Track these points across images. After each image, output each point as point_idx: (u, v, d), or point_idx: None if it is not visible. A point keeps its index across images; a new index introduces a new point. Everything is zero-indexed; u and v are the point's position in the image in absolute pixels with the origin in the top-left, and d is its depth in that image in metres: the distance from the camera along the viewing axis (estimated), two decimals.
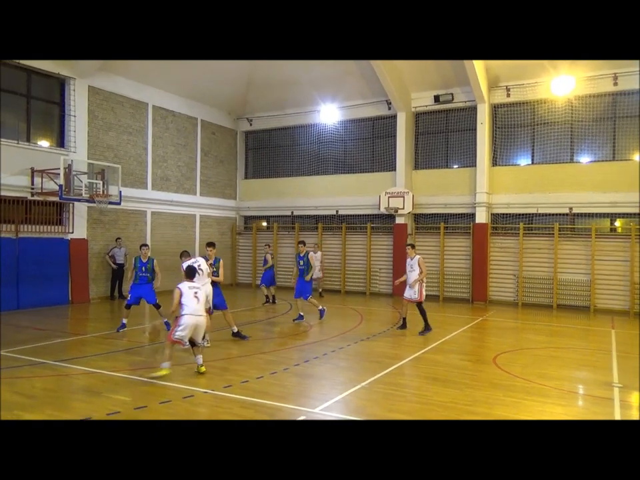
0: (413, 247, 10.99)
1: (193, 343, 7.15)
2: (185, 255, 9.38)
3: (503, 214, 16.47)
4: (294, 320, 11.79)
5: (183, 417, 5.57)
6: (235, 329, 9.67)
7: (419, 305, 10.61)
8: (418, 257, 10.70)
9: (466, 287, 16.71)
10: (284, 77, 17.85)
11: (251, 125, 20.73)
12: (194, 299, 7.03)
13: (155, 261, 10.54)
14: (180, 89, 17.77)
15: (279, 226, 20.09)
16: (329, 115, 18.90)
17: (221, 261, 9.50)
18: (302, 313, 11.79)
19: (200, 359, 7.24)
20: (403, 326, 10.94)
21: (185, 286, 7.14)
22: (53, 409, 5.71)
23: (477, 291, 16.31)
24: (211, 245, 9.61)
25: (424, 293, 10.65)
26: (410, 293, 10.65)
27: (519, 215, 16.14)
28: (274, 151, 20.86)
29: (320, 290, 17.08)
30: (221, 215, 20.32)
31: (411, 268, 10.67)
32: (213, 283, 9.02)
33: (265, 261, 14.96)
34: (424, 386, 6.87)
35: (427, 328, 10.49)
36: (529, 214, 16.03)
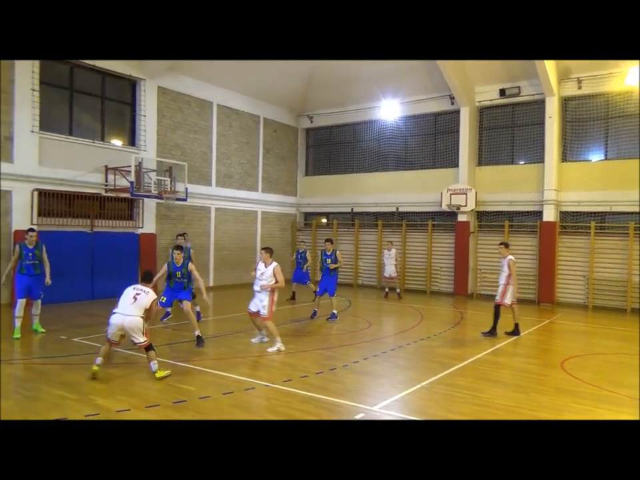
0: (506, 246, 10.44)
1: (145, 348, 6.75)
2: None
3: (573, 212, 15.73)
4: (327, 319, 11.51)
5: (244, 409, 5.72)
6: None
7: (497, 306, 10.14)
8: (509, 257, 10.19)
9: (532, 288, 16.10)
10: (345, 73, 17.85)
11: (311, 122, 20.88)
12: (131, 299, 6.76)
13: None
14: (243, 87, 18.16)
15: (339, 222, 20.14)
16: (390, 110, 18.73)
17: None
18: (335, 311, 11.54)
19: (154, 364, 6.72)
20: (514, 332, 10.17)
21: (129, 288, 6.97)
22: (124, 395, 6.02)
23: (544, 292, 15.69)
24: (178, 248, 9.12)
25: (507, 296, 10.06)
26: (507, 298, 10.13)
27: (590, 213, 15.35)
28: (334, 147, 20.92)
29: (397, 290, 16.35)
30: (282, 212, 20.62)
31: (502, 268, 10.26)
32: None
33: (305, 259, 14.34)
34: (486, 388, 6.70)
35: (492, 331, 10.07)
36: (601, 212, 15.22)
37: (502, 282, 10.14)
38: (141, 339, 6.71)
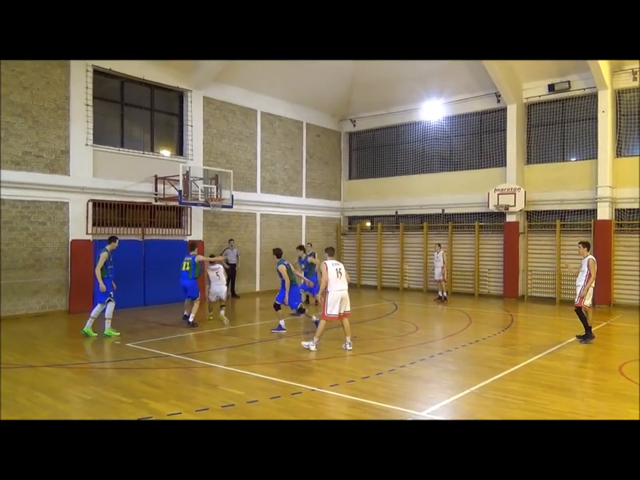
0: (585, 245, 9.94)
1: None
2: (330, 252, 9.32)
3: (629, 209, 15.03)
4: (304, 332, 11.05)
5: (291, 413, 5.76)
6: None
7: (578, 309, 9.70)
8: (588, 257, 9.76)
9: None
10: (387, 75, 17.76)
11: (354, 125, 20.87)
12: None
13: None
14: (286, 94, 18.36)
15: (383, 226, 20.02)
16: (433, 111, 18.49)
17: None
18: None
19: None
20: (586, 336, 9.71)
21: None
22: (176, 399, 6.19)
23: (600, 293, 14.98)
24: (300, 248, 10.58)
25: (585, 299, 9.66)
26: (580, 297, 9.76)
27: None
28: (378, 150, 20.82)
29: (444, 294, 15.94)
30: (326, 216, 20.69)
31: (581, 268, 9.82)
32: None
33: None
34: (539, 394, 6.48)
35: (588, 335, 9.57)
36: None
37: (580, 283, 9.75)
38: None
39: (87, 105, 13.23)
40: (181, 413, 5.65)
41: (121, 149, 14.17)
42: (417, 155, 19.47)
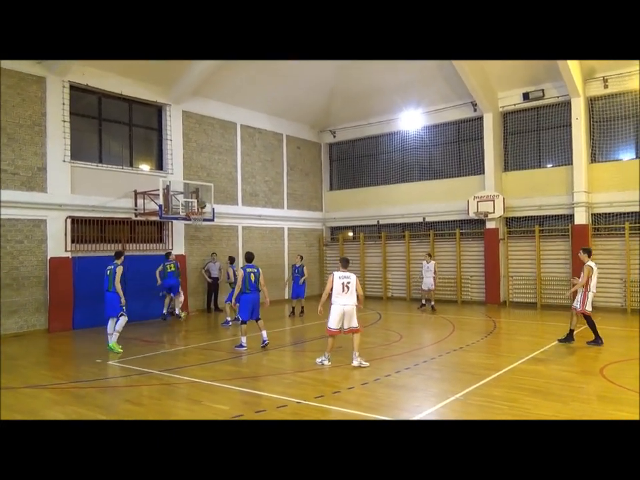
0: (585, 252, 10.06)
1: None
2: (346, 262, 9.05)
3: (605, 213, 15.34)
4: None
5: None
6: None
7: (585, 316, 9.84)
8: (587, 263, 9.88)
9: (566, 293, 15.68)
10: (365, 86, 17.94)
11: (334, 136, 21.00)
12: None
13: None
14: (265, 106, 18.41)
15: (365, 235, 20.10)
16: (412, 121, 18.72)
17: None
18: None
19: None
20: (567, 339, 9.96)
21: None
22: (159, 416, 6.09)
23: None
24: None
25: (587, 303, 9.79)
26: (575, 302, 9.97)
27: (624, 213, 14.95)
28: (358, 161, 20.96)
29: (432, 303, 15.73)
30: (308, 227, 20.70)
31: (582, 274, 9.95)
32: None
33: (302, 273, 14.42)
34: (523, 398, 6.53)
35: (596, 340, 9.71)
36: (635, 212, 14.79)
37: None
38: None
39: (64, 121, 13.10)
40: None
41: (99, 164, 14.03)
42: (396, 164, 19.65)
